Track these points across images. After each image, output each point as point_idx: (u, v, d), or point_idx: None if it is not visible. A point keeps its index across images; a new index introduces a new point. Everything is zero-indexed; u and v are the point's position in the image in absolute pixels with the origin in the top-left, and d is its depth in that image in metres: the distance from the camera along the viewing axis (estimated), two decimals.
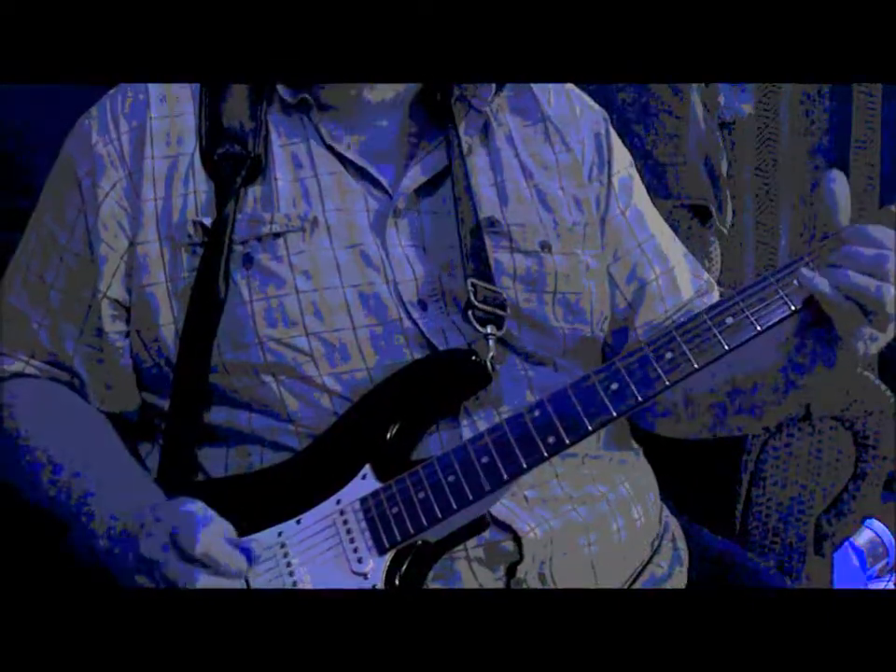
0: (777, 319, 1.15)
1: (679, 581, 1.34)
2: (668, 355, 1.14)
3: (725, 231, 2.02)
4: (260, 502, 1.17)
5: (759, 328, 1.15)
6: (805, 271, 1.14)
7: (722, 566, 1.43)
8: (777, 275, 1.15)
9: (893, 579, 2.18)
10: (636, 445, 1.37)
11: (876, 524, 2.17)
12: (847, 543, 1.93)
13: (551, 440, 1.14)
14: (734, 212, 2.06)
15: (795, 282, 1.14)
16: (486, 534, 1.17)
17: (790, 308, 1.15)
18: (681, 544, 1.38)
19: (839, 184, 1.15)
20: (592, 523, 1.23)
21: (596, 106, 1.42)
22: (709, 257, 1.98)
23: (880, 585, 2.18)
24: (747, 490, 1.69)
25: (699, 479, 1.63)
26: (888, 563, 2.19)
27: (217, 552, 1.09)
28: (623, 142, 1.43)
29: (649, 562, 1.31)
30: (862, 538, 2.16)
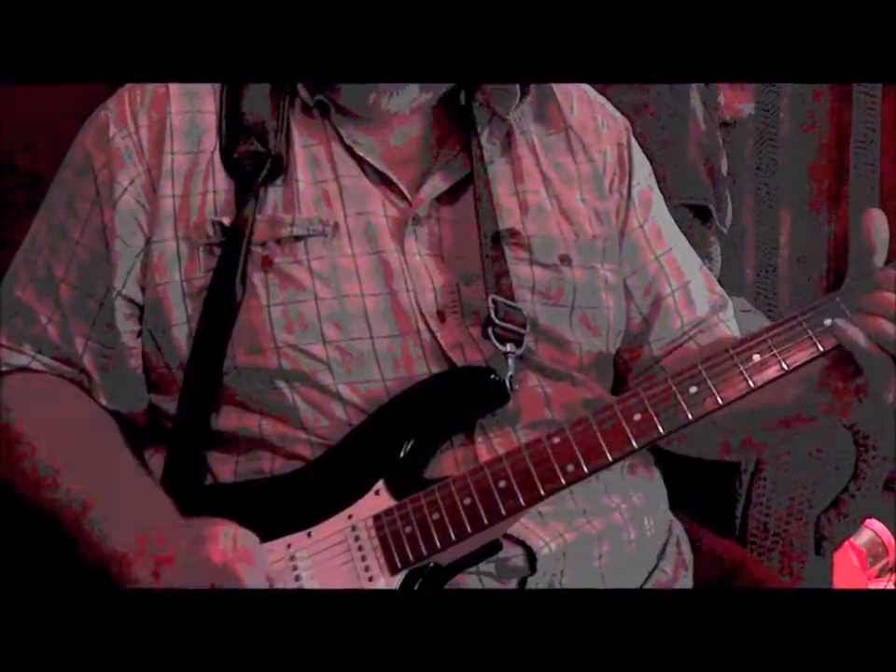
0: (804, 360, 1.13)
1: (685, 585, 1.33)
2: (693, 389, 1.13)
3: (725, 230, 2.02)
4: (270, 511, 1.16)
5: (785, 367, 1.13)
6: (840, 322, 1.11)
7: (724, 567, 1.43)
8: (806, 314, 1.14)
9: (893, 579, 2.18)
10: (648, 454, 1.36)
11: (876, 524, 2.17)
12: (847, 543, 1.93)
13: (570, 468, 1.13)
14: (734, 212, 2.06)
15: (826, 322, 1.13)
16: None
17: (818, 349, 1.13)
18: (686, 548, 1.37)
19: (878, 224, 1.12)
20: (604, 535, 1.22)
21: (619, 115, 1.41)
22: (709, 257, 1.98)
23: (880, 585, 2.18)
24: (747, 490, 1.68)
25: (699, 479, 1.63)
26: (887, 563, 2.19)
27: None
28: None
29: (654, 567, 1.30)
30: (862, 538, 2.16)
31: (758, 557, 1.66)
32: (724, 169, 2.05)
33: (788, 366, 1.13)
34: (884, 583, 2.18)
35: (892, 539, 2.19)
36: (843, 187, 2.33)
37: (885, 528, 2.18)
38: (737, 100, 2.20)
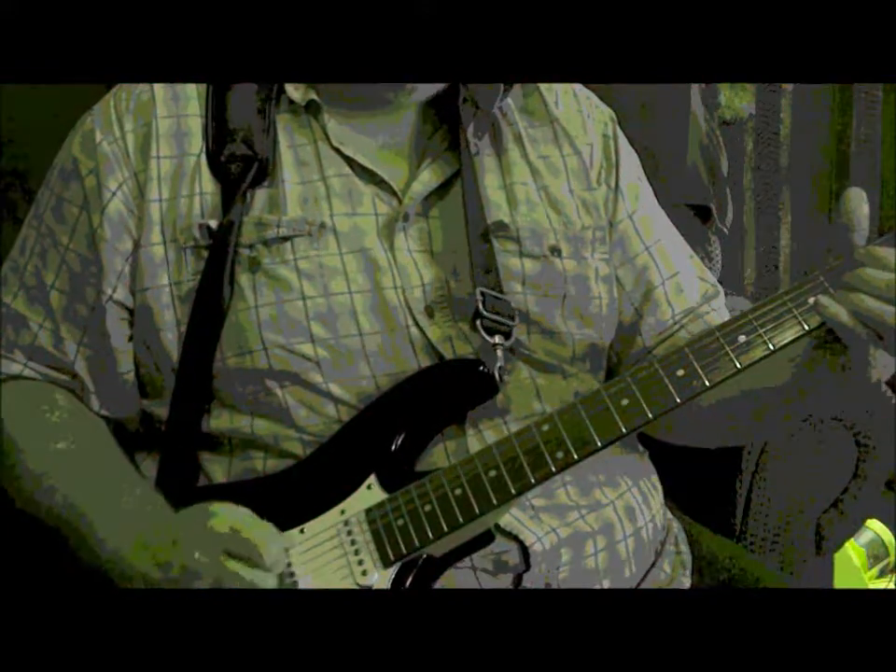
0: (790, 339, 1.14)
1: (683, 584, 1.33)
2: (680, 372, 1.13)
3: (725, 230, 2.02)
4: (263, 510, 1.15)
5: (772, 347, 1.13)
6: (823, 299, 1.12)
7: (723, 566, 1.43)
8: (791, 294, 1.14)
9: (894, 579, 2.18)
10: (641, 448, 1.36)
11: (877, 524, 2.17)
12: (847, 543, 1.93)
13: (559, 455, 1.13)
14: (734, 212, 2.06)
15: (810, 301, 1.13)
16: (493, 544, 1.16)
17: (804, 328, 1.14)
18: (684, 547, 1.37)
19: (858, 202, 1.13)
20: (599, 531, 1.22)
21: (604, 107, 1.41)
22: (709, 256, 1.98)
23: (881, 585, 2.18)
24: (747, 490, 1.68)
25: (699, 479, 1.63)
26: (888, 563, 2.19)
27: (279, 555, 1.10)
28: None
29: (652, 566, 1.30)
30: (863, 538, 2.16)
31: (758, 557, 1.67)
32: (724, 169, 2.05)
33: (773, 346, 1.14)
34: (885, 584, 2.18)
35: (893, 540, 2.18)
36: (843, 187, 2.33)
37: (886, 529, 2.18)
38: (737, 100, 2.20)
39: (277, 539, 1.12)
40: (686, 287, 1.37)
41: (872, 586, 2.16)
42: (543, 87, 1.36)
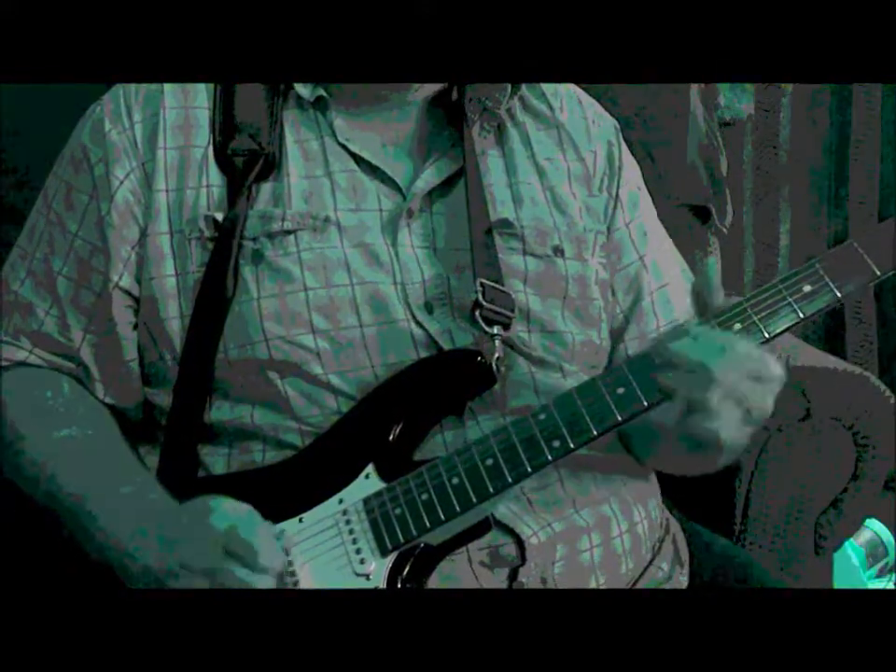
0: (784, 327, 1.15)
1: (681, 582, 1.34)
2: None
3: (725, 231, 2.02)
4: (262, 500, 1.16)
5: (766, 335, 1.15)
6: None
7: (723, 566, 1.43)
8: (786, 282, 1.15)
9: (893, 579, 2.18)
10: None
11: (876, 523, 2.17)
12: (846, 543, 1.93)
13: (556, 443, 1.14)
14: (734, 212, 2.06)
15: (805, 289, 1.14)
16: (489, 537, 1.17)
17: (798, 315, 1.15)
18: (682, 545, 1.37)
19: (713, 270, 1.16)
20: (594, 526, 1.23)
21: (608, 115, 1.42)
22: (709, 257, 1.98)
23: (880, 585, 2.18)
24: (747, 490, 1.68)
25: (699, 479, 1.63)
26: (887, 562, 2.19)
27: (276, 557, 1.11)
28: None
29: (649, 564, 1.31)
30: (862, 537, 2.16)
31: (757, 557, 1.66)
32: (724, 169, 2.05)
33: (769, 333, 1.15)
34: (884, 583, 2.18)
35: (892, 539, 2.18)
36: (843, 187, 2.34)
37: (885, 528, 2.18)
38: (737, 100, 2.20)
39: (275, 540, 1.12)
40: (674, 301, 1.37)
41: (871, 586, 2.16)
42: (549, 92, 1.37)
